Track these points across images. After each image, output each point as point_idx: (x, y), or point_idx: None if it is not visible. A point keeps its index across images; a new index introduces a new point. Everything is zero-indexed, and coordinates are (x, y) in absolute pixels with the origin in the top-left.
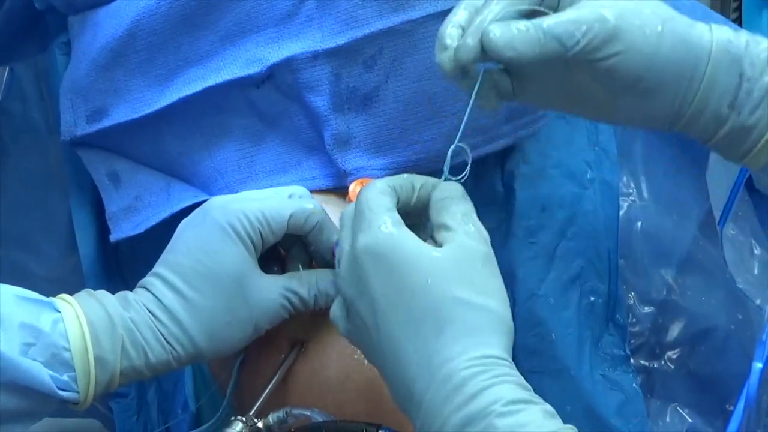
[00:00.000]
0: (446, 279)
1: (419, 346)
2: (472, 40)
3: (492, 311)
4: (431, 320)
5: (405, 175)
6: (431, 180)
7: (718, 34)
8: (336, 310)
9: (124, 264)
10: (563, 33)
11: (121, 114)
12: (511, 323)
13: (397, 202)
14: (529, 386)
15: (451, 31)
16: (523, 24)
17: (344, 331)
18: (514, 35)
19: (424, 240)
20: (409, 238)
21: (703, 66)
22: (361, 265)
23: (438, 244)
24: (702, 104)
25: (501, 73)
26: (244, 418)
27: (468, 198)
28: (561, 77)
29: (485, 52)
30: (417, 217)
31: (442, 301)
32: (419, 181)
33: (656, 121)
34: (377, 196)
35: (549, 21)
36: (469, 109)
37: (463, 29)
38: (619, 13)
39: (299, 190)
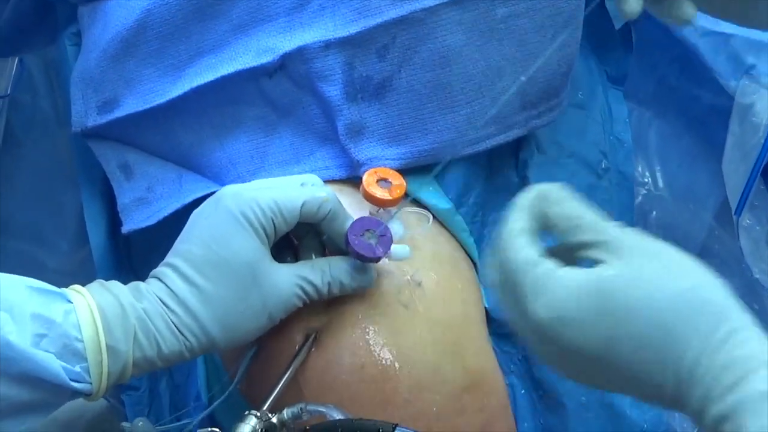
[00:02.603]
0: (646, 291)
1: (660, 359)
2: None
3: (703, 285)
4: (660, 333)
5: (528, 198)
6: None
7: None
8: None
9: (135, 256)
10: None
11: (133, 104)
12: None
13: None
14: None
15: None
16: None
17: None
18: None
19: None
20: (577, 276)
21: None
22: (552, 335)
23: (593, 259)
24: None
25: None
26: (258, 413)
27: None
28: None
29: None
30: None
31: (659, 311)
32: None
33: None
34: (520, 250)
35: None
36: None
37: None
38: None
39: (312, 178)
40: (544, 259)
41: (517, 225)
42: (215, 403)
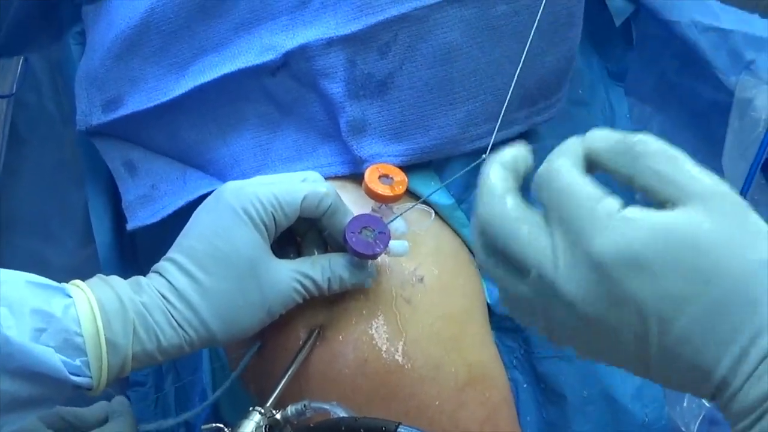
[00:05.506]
0: (731, 250)
1: (727, 336)
2: None
3: None
4: (737, 302)
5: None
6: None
7: None
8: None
9: (140, 253)
10: None
11: (137, 103)
12: None
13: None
14: None
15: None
16: None
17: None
18: None
19: None
20: (656, 220)
21: None
22: (612, 277)
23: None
24: None
25: None
26: (262, 410)
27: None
28: None
29: None
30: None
31: (742, 276)
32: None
33: None
34: (575, 181)
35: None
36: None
37: None
38: None
39: (313, 175)
40: (607, 195)
41: (566, 160)
42: (217, 393)
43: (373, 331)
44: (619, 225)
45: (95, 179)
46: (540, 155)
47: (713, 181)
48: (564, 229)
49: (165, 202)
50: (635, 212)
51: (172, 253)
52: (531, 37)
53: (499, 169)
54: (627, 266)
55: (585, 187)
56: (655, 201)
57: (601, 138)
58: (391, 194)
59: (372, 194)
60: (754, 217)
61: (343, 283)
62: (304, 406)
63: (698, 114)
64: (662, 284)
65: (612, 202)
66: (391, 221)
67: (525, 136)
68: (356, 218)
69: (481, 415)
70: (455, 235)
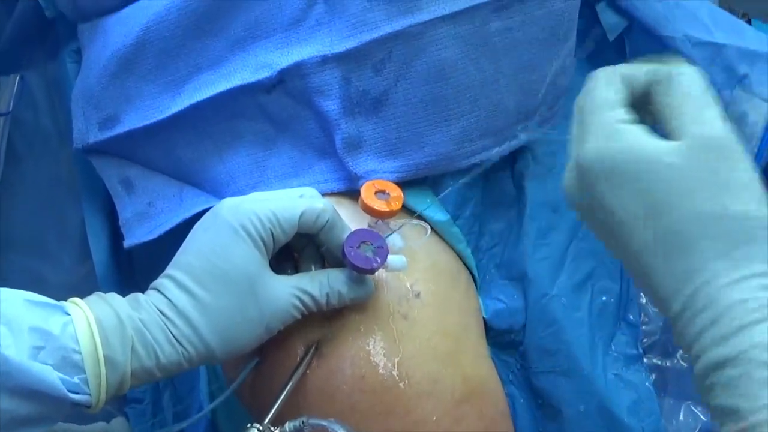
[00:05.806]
0: (690, 190)
1: (670, 266)
2: None
3: (750, 217)
4: (678, 240)
5: (635, 66)
6: (661, 70)
7: None
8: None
9: (137, 270)
10: None
11: (133, 121)
12: None
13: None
14: None
15: None
16: None
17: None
18: None
19: None
20: (640, 141)
21: None
22: (590, 178)
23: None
24: None
25: None
26: (260, 426)
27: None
28: None
29: None
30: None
31: (688, 217)
32: (646, 69)
33: None
34: (601, 90)
35: None
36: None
37: None
38: None
39: (309, 191)
40: (621, 107)
41: (605, 71)
42: (212, 404)
43: (371, 346)
44: (609, 134)
45: (92, 197)
46: (533, 166)
47: (714, 128)
48: (576, 127)
49: (162, 220)
50: (631, 128)
51: (170, 270)
52: (571, 44)
53: (610, 76)
54: (600, 172)
55: (604, 92)
56: (664, 131)
57: (644, 64)
58: (388, 209)
59: (368, 210)
60: (740, 169)
61: (342, 298)
62: (302, 422)
63: None
64: (624, 198)
65: (620, 113)
66: (389, 236)
67: (519, 151)
68: (354, 233)
69: (479, 430)
70: (451, 251)
